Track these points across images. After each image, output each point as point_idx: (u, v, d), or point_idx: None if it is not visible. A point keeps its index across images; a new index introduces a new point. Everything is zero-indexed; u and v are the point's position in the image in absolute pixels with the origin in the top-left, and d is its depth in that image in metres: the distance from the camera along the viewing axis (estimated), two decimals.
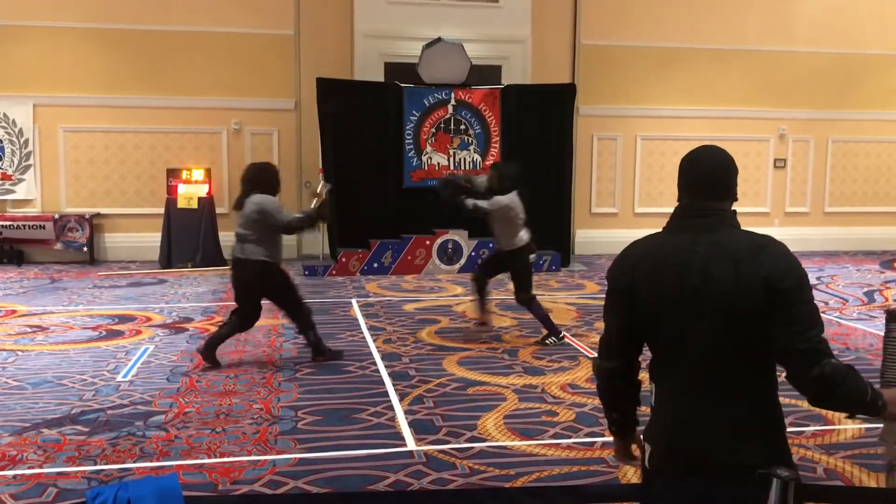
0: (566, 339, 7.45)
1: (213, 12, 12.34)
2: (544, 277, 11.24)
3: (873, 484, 4.27)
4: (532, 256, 7.40)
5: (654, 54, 13.51)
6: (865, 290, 10.35)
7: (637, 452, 2.55)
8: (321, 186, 7.28)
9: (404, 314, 8.72)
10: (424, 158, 11.78)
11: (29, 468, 4.45)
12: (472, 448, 4.80)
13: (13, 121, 12.11)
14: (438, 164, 11.79)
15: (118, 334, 7.66)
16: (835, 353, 2.17)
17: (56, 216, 11.95)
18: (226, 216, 11.63)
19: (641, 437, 2.45)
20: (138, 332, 7.74)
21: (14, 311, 8.67)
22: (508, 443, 4.90)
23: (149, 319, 8.34)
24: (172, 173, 12.01)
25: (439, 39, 11.73)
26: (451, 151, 11.89)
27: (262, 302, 6.67)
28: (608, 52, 13.38)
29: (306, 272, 11.24)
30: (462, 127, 11.88)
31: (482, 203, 7.12)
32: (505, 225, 7.16)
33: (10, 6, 11.94)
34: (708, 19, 13.60)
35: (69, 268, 11.73)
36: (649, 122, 13.65)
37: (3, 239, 11.84)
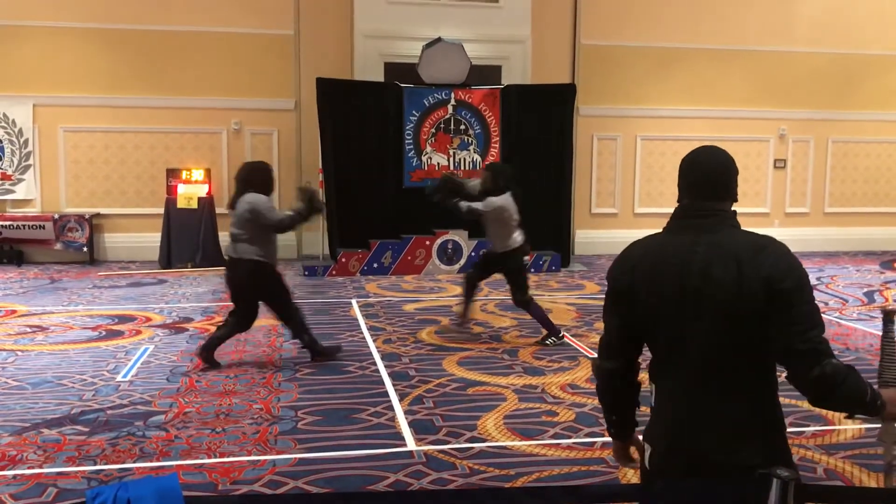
0: (566, 340, 7.45)
1: (213, 12, 12.34)
2: (544, 278, 11.24)
3: (873, 484, 4.27)
4: (526, 258, 7.40)
5: (654, 54, 13.51)
6: (865, 290, 10.36)
7: (636, 455, 2.55)
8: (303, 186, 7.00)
9: (404, 314, 8.72)
10: (424, 158, 11.78)
11: (29, 468, 4.45)
12: (472, 448, 4.80)
13: (13, 121, 12.11)
14: (438, 164, 11.79)
15: (118, 334, 7.66)
16: (835, 353, 2.17)
17: (56, 216, 11.95)
18: (226, 216, 11.50)
19: (641, 437, 2.46)
20: (138, 333, 7.74)
21: (14, 311, 8.67)
22: (508, 443, 4.90)
23: (149, 319, 8.34)
24: (172, 173, 12.01)
25: (439, 39, 11.73)
26: (451, 151, 11.89)
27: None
28: (608, 52, 13.38)
29: (306, 272, 11.24)
30: (462, 127, 11.88)
31: (476, 205, 7.11)
32: (499, 226, 7.16)
33: (10, 6, 11.94)
34: (708, 19, 13.60)
35: (69, 268, 11.73)
36: (649, 122, 13.65)
37: (3, 239, 11.84)
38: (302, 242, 12.78)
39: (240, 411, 5.45)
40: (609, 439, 2.68)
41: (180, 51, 12.34)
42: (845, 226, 14.46)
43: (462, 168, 11.83)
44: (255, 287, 6.50)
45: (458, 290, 10.07)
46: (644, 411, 2.46)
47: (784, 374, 2.18)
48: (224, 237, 11.35)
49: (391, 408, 5.54)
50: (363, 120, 11.53)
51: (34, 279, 10.75)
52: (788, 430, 2.38)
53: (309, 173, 12.49)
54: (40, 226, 11.84)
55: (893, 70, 14.33)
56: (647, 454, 2.39)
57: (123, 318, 8.36)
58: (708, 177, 2.33)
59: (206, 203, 11.89)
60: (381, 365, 6.64)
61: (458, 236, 11.48)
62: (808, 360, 2.12)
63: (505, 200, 7.08)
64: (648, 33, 13.44)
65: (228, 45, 12.42)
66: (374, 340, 7.49)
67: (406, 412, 5.44)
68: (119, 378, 6.20)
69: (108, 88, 12.19)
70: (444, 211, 7.53)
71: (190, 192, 11.87)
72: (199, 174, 12.02)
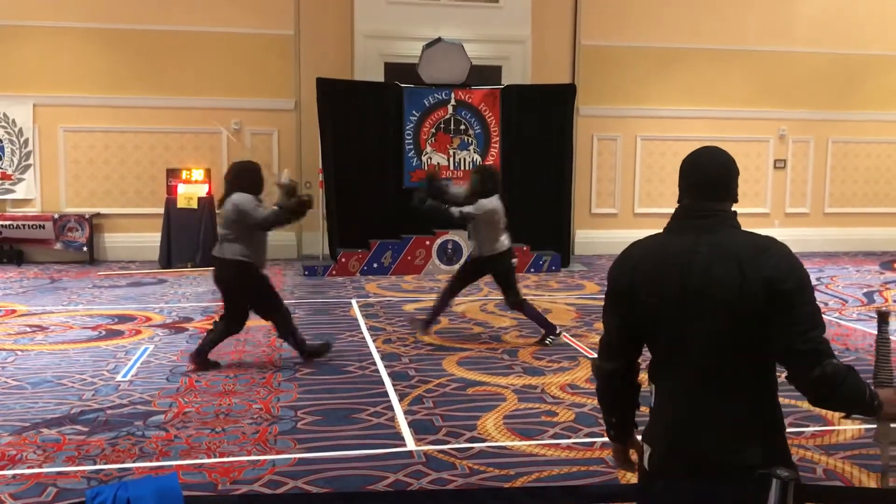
0: (565, 339, 7.45)
1: (213, 12, 12.34)
2: (544, 278, 11.24)
3: (873, 484, 4.27)
4: (514, 261, 7.40)
5: (654, 54, 13.51)
6: (865, 290, 10.36)
7: (635, 457, 2.55)
8: (284, 175, 6.71)
9: (404, 314, 8.72)
10: (424, 158, 11.78)
11: (28, 468, 4.45)
12: (472, 448, 4.80)
13: (13, 121, 12.11)
14: (438, 164, 11.79)
15: (118, 334, 7.66)
16: (835, 353, 2.17)
17: (56, 216, 11.95)
18: None
19: (640, 438, 2.45)
20: (138, 332, 7.74)
21: (14, 311, 8.67)
22: (508, 443, 4.90)
23: (148, 319, 8.34)
24: (172, 173, 12.00)
25: (439, 39, 11.73)
26: (451, 151, 11.89)
27: None
28: (608, 53, 13.38)
29: (306, 272, 11.24)
30: (462, 127, 11.88)
31: (468, 208, 7.07)
32: (489, 229, 7.13)
33: (10, 6, 11.94)
34: (708, 19, 13.60)
35: (69, 268, 11.73)
36: (649, 122, 13.65)
37: (3, 239, 11.84)
38: (302, 242, 12.78)
39: (239, 411, 5.45)
40: (608, 440, 2.68)
41: (180, 51, 12.34)
42: (845, 226, 14.46)
43: (462, 168, 11.83)
44: (239, 287, 6.46)
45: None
46: (644, 412, 2.46)
47: (784, 375, 2.18)
48: None
49: (391, 408, 5.54)
50: (363, 120, 11.53)
51: (34, 279, 10.75)
52: (788, 430, 2.38)
53: (309, 173, 12.50)
54: (40, 225, 11.85)
55: (893, 70, 14.33)
56: (646, 455, 2.39)
57: (123, 318, 8.36)
58: (708, 177, 2.33)
59: (206, 203, 11.88)
60: (380, 365, 6.64)
61: (458, 236, 11.48)
62: (809, 360, 2.12)
63: (495, 203, 7.07)
64: (648, 33, 13.44)
65: (228, 45, 12.42)
66: (374, 340, 7.49)
67: (406, 412, 5.44)
68: (119, 378, 6.19)
69: (108, 88, 12.19)
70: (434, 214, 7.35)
71: (190, 192, 11.87)
72: (198, 174, 12.02)
